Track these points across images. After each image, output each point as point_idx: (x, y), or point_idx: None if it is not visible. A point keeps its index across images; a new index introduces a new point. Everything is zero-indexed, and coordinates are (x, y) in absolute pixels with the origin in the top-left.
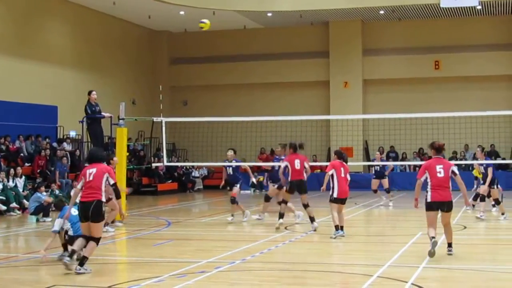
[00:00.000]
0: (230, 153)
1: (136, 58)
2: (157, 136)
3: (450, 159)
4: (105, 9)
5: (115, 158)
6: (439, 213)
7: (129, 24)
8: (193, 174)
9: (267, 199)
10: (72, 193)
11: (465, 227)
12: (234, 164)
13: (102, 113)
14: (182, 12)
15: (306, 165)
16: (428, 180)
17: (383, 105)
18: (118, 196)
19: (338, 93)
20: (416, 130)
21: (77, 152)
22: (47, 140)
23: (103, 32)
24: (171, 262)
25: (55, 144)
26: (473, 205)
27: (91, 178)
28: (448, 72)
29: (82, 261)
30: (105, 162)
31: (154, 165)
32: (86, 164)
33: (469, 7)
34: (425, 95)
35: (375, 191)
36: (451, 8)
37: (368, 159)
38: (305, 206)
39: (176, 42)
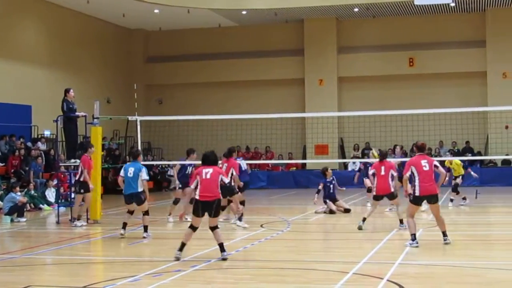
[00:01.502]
0: (195, 155)
1: (111, 57)
2: (132, 135)
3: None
4: (80, 7)
5: (92, 148)
6: (423, 207)
7: (104, 23)
8: (168, 172)
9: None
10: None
11: None
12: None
13: (77, 113)
14: (156, 11)
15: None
16: (416, 175)
17: (358, 102)
18: (232, 193)
19: (313, 91)
20: (391, 127)
21: (52, 152)
22: (22, 139)
23: (77, 30)
24: (147, 261)
25: (29, 144)
26: (452, 199)
27: (208, 177)
28: (423, 69)
29: (222, 247)
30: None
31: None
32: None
33: (442, 4)
34: (400, 92)
35: (370, 190)
36: (425, 5)
37: (344, 156)
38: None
39: (151, 41)
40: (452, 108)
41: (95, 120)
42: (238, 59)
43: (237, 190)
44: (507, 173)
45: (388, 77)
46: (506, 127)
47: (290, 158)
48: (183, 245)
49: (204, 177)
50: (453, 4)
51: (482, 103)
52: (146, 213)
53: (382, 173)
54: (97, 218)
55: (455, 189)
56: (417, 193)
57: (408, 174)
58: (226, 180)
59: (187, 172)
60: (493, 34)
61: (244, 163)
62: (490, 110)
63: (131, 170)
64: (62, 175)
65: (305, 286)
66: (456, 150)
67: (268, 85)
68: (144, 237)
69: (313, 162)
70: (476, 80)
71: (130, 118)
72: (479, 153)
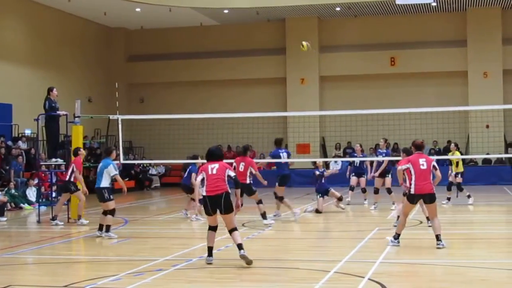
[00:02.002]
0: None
1: (92, 55)
2: (113, 134)
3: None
4: (60, 6)
5: (82, 150)
6: (417, 207)
7: (85, 21)
8: (150, 171)
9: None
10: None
11: (421, 222)
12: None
13: (58, 112)
14: (138, 9)
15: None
16: (412, 172)
17: (340, 102)
18: (238, 186)
19: (295, 90)
20: (373, 126)
21: (33, 151)
22: (2, 138)
23: (58, 29)
24: (128, 260)
25: (10, 143)
26: (449, 198)
27: (214, 172)
28: (404, 68)
29: (240, 247)
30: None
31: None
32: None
33: (424, 4)
34: (381, 91)
35: (352, 189)
36: (406, 5)
37: (326, 155)
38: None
39: (132, 39)
40: (433, 107)
41: (76, 119)
42: (220, 58)
43: (254, 189)
44: (487, 172)
45: (369, 77)
46: (487, 127)
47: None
48: (210, 249)
49: (210, 172)
50: (434, 4)
51: (463, 103)
52: (110, 212)
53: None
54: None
55: (450, 188)
56: (412, 191)
57: (404, 166)
58: (232, 174)
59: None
60: (474, 34)
61: (285, 155)
62: (471, 110)
63: (99, 166)
64: (43, 174)
65: (287, 285)
66: (437, 149)
67: (250, 84)
68: (109, 237)
69: (294, 161)
70: (457, 80)
71: (111, 117)
72: (460, 153)
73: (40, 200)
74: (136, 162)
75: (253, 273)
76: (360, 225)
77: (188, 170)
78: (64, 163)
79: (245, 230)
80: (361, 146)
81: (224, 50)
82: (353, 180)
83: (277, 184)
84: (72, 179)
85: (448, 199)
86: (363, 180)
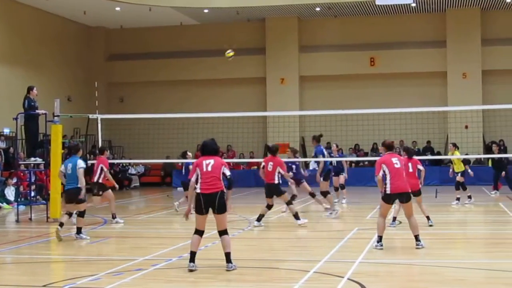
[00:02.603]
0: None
1: (71, 54)
2: (93, 133)
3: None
4: (40, 4)
5: (107, 152)
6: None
7: (65, 20)
8: (129, 171)
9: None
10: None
11: (400, 222)
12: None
13: (37, 111)
14: (118, 8)
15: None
16: (387, 173)
17: (320, 102)
18: (231, 187)
19: (274, 90)
20: (352, 126)
21: (11, 150)
22: None
23: (37, 28)
24: (108, 260)
25: None
26: (458, 198)
27: (209, 169)
28: (384, 68)
29: (227, 257)
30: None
31: (90, 162)
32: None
33: (403, 4)
34: (361, 91)
35: (337, 189)
36: (386, 5)
37: (305, 155)
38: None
39: (112, 39)
40: (413, 107)
41: (55, 118)
42: (200, 57)
43: (283, 190)
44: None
45: (349, 77)
46: (466, 127)
47: (251, 157)
48: (193, 254)
49: (205, 169)
50: (414, 5)
51: (442, 103)
52: (80, 214)
53: (410, 170)
54: (57, 217)
55: (457, 187)
56: (388, 191)
57: (380, 173)
58: (228, 173)
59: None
60: (453, 34)
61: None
62: (450, 110)
63: (69, 166)
64: (22, 174)
65: (266, 284)
66: (416, 150)
67: (230, 83)
68: (80, 239)
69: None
70: (437, 80)
71: (90, 116)
72: (439, 153)
73: (19, 200)
74: (115, 161)
75: (232, 273)
76: (339, 225)
77: (184, 165)
78: (43, 162)
79: None
80: (337, 146)
81: (204, 49)
82: (335, 180)
83: (321, 179)
84: (100, 180)
85: (458, 199)
86: (342, 177)
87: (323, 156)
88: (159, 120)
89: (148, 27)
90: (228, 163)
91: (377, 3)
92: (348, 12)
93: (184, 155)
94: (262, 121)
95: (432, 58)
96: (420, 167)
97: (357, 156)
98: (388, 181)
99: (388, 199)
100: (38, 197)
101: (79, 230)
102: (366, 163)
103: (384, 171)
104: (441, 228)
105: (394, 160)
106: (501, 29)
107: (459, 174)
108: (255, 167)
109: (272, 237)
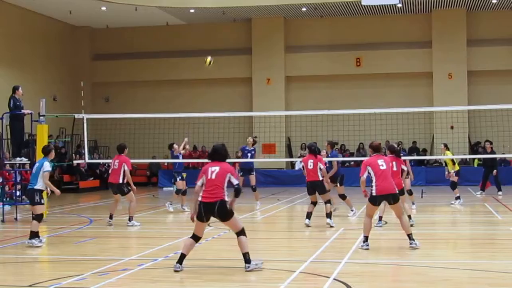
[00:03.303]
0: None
1: (57, 54)
2: (78, 133)
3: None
4: (25, 3)
5: (126, 150)
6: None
7: (50, 20)
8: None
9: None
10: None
11: (386, 223)
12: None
13: (22, 110)
14: (103, 8)
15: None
16: (372, 175)
17: (306, 102)
18: (237, 195)
19: (260, 90)
20: (338, 126)
21: None
22: None
23: (23, 27)
24: (93, 260)
25: None
26: (458, 197)
27: (213, 177)
28: (369, 69)
29: (246, 258)
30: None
31: (75, 162)
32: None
33: (389, 5)
34: (347, 91)
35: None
36: (372, 5)
37: (291, 155)
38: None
39: (98, 38)
40: (399, 108)
41: (41, 117)
42: (186, 57)
43: (327, 188)
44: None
45: (335, 77)
46: (452, 127)
47: (237, 157)
48: (182, 256)
49: (209, 176)
50: (400, 5)
51: (428, 103)
52: (36, 217)
53: (394, 168)
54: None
55: (454, 187)
56: (374, 193)
57: (365, 175)
58: (235, 181)
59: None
60: (439, 35)
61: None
62: (436, 110)
63: (35, 166)
64: (7, 173)
65: (252, 285)
66: (402, 150)
67: (216, 83)
68: (31, 245)
69: (260, 161)
70: (422, 81)
71: (76, 116)
72: (424, 150)
73: (4, 200)
74: (101, 161)
75: (218, 273)
76: (325, 225)
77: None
78: (29, 162)
79: (210, 230)
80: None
81: (190, 49)
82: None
83: (338, 184)
84: (125, 181)
85: (456, 198)
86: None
87: (337, 162)
88: (145, 120)
89: (134, 27)
90: None
91: (363, 3)
92: (334, 13)
93: (170, 147)
94: (248, 121)
95: (418, 58)
96: (404, 167)
97: (343, 156)
98: (374, 183)
99: (374, 201)
100: (23, 197)
101: (33, 235)
102: (352, 163)
103: (369, 173)
104: (426, 228)
105: (380, 162)
106: (486, 29)
107: (453, 173)
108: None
109: (258, 237)
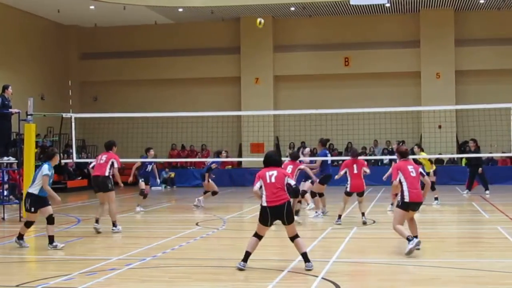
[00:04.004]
0: (153, 152)
1: (45, 53)
2: (66, 132)
3: (359, 154)
4: (12, 2)
5: (152, 151)
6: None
7: (38, 18)
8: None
9: (314, 195)
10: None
11: (374, 221)
12: (154, 160)
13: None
14: (92, 7)
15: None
16: (403, 180)
17: (294, 101)
18: (296, 195)
19: (249, 89)
20: (327, 126)
21: None
22: None
23: (11, 25)
24: (81, 259)
25: None
26: (437, 197)
27: (273, 180)
28: (358, 68)
29: (305, 257)
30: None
31: (63, 161)
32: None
33: (378, 4)
34: (335, 91)
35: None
36: (360, 5)
37: (280, 155)
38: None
39: (86, 37)
40: (387, 107)
41: (28, 117)
42: (174, 56)
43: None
44: (439, 172)
45: (323, 77)
46: (439, 127)
47: (226, 156)
48: (248, 254)
49: (268, 180)
50: (388, 5)
51: (416, 103)
52: (47, 220)
53: (355, 171)
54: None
55: (433, 188)
56: (406, 199)
57: (398, 178)
58: (292, 182)
59: (147, 169)
60: (427, 35)
61: (329, 156)
62: (424, 110)
63: (36, 170)
64: None
65: (240, 284)
66: (390, 149)
67: (204, 83)
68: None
69: (248, 160)
70: (410, 80)
71: (64, 115)
72: (413, 149)
73: None
74: (89, 161)
75: (206, 273)
76: (313, 224)
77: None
78: (16, 161)
79: (198, 229)
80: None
81: (179, 48)
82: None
83: (317, 181)
84: (111, 175)
85: (435, 199)
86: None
87: (326, 162)
88: (134, 119)
89: (123, 25)
90: (203, 163)
91: (351, 3)
92: (322, 12)
93: (146, 151)
94: (237, 121)
95: (406, 58)
96: (366, 169)
97: (331, 155)
98: (405, 189)
99: (406, 207)
100: (11, 196)
101: (51, 239)
102: (340, 162)
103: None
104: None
105: (410, 168)
106: (474, 29)
107: (432, 172)
108: (230, 166)
109: (247, 237)
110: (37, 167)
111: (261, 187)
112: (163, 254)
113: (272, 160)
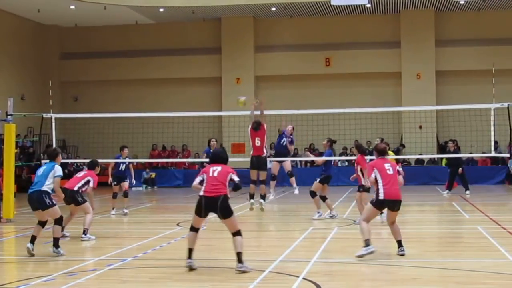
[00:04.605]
0: (127, 150)
1: (25, 53)
2: (46, 132)
3: (341, 154)
4: None
5: (126, 150)
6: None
7: (18, 18)
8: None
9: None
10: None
11: (354, 222)
12: (127, 160)
13: None
14: (72, 7)
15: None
16: (379, 178)
17: (275, 101)
18: (236, 190)
19: (230, 89)
20: (308, 126)
21: None
22: None
23: None
24: (62, 260)
25: None
26: None
27: (215, 175)
28: (339, 68)
29: (239, 258)
30: None
31: (43, 162)
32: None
33: (359, 5)
34: (316, 91)
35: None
36: (341, 6)
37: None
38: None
39: (66, 37)
40: (367, 107)
41: (8, 117)
42: (155, 56)
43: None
44: (420, 172)
45: (304, 77)
46: (420, 127)
47: (207, 157)
48: (190, 251)
49: (211, 174)
50: (369, 5)
51: (396, 103)
52: (56, 221)
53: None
54: (10, 217)
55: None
56: (381, 197)
57: (373, 176)
58: (236, 179)
59: (120, 168)
60: (407, 35)
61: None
62: (404, 110)
63: (42, 169)
64: None
65: (221, 284)
66: (371, 149)
67: (185, 83)
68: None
69: (230, 160)
70: (391, 81)
71: (44, 115)
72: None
73: None
74: (69, 161)
75: (187, 273)
76: (294, 225)
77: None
78: None
79: (179, 230)
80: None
81: (160, 48)
82: (274, 166)
83: (317, 180)
84: (80, 190)
85: None
86: (287, 163)
87: (330, 161)
88: (114, 120)
89: (103, 25)
90: (183, 163)
91: (332, 3)
92: (303, 12)
93: (120, 150)
94: (218, 121)
95: (387, 58)
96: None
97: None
98: (381, 186)
99: (380, 204)
100: None
101: (56, 242)
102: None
103: (375, 176)
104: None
105: (387, 165)
106: (454, 30)
107: None
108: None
109: (228, 237)
110: (37, 167)
111: (202, 181)
112: (144, 254)
113: (219, 158)
